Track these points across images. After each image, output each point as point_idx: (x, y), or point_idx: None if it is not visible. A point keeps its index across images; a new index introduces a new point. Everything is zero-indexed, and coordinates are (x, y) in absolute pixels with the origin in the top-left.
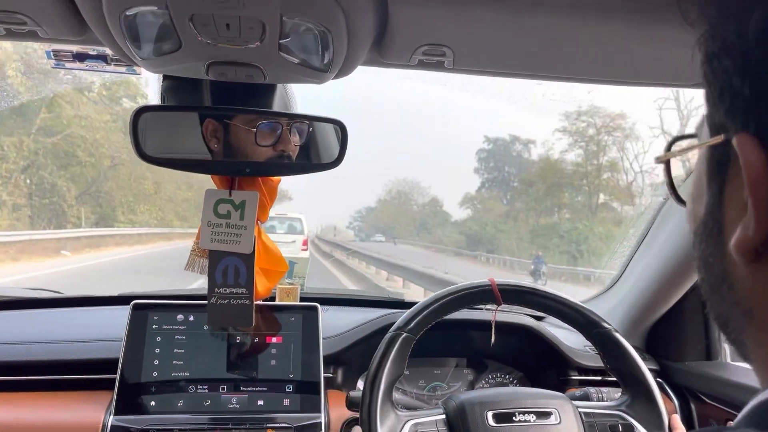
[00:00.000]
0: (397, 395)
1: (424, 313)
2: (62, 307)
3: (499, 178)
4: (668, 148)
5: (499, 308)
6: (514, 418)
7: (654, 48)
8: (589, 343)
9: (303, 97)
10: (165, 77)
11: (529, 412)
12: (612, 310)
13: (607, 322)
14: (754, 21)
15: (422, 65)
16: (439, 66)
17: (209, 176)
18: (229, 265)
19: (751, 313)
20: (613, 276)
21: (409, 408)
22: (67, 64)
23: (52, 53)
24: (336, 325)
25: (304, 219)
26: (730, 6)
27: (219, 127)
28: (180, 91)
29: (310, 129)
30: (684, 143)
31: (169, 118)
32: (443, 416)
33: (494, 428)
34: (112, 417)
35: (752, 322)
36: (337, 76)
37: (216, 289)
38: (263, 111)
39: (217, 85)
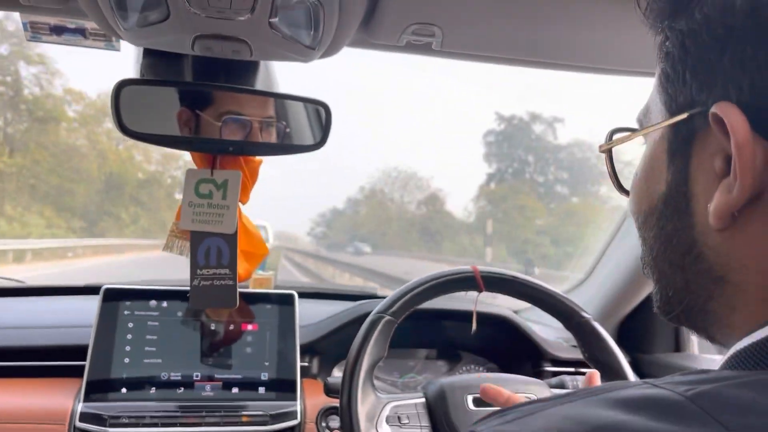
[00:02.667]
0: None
1: (407, 296)
2: (26, 296)
3: (515, 167)
4: (609, 138)
5: (479, 296)
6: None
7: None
8: (562, 336)
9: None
10: (145, 55)
11: None
12: (585, 304)
13: (586, 312)
14: None
15: (410, 47)
16: (426, 48)
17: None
18: (212, 246)
19: (724, 279)
20: (586, 270)
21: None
22: (44, 37)
23: (28, 25)
24: (310, 315)
25: (269, 227)
26: None
27: (191, 117)
28: (160, 69)
29: (287, 130)
30: (649, 125)
31: (151, 93)
32: (423, 399)
33: (473, 411)
34: (81, 404)
35: (725, 288)
36: (323, 55)
37: (198, 270)
38: (246, 89)
39: (199, 63)
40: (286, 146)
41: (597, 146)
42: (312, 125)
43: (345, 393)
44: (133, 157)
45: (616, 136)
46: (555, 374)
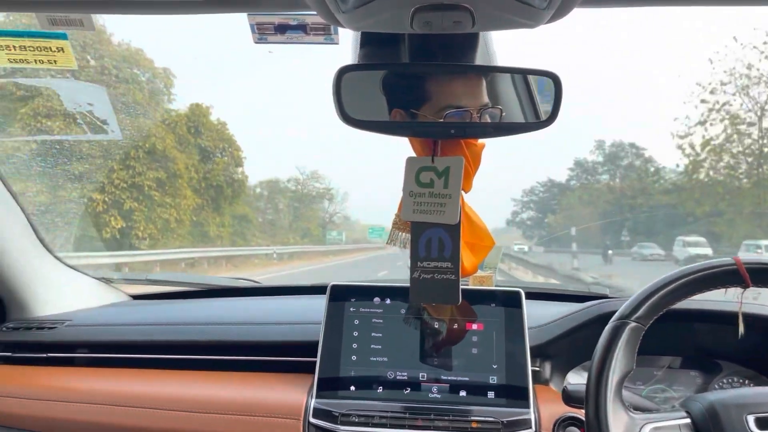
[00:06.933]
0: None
1: (654, 297)
2: (260, 296)
3: None
4: None
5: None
6: None
7: None
8: None
9: None
10: (362, 45)
11: None
12: None
13: None
14: None
15: None
16: None
17: None
18: (433, 237)
19: None
20: None
21: (636, 408)
22: (270, 38)
23: (255, 27)
24: (536, 316)
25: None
26: None
27: (406, 117)
28: (377, 58)
29: (503, 114)
30: None
31: (369, 80)
32: (688, 420)
33: None
34: (314, 400)
35: None
36: (552, 18)
37: (419, 262)
38: (467, 65)
39: (416, 48)
40: (513, 126)
41: None
42: (534, 101)
43: (591, 411)
44: None
45: None
46: None
